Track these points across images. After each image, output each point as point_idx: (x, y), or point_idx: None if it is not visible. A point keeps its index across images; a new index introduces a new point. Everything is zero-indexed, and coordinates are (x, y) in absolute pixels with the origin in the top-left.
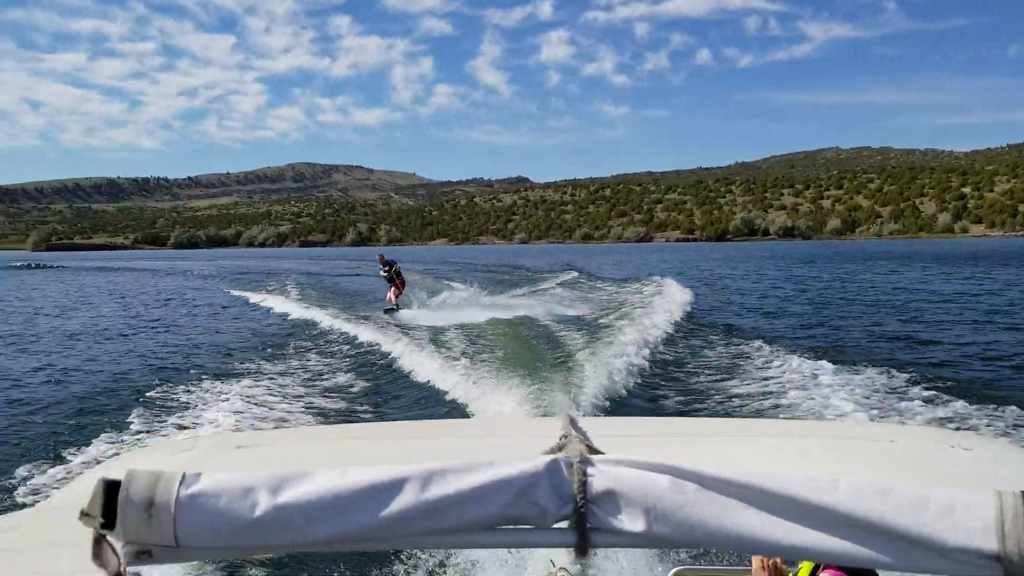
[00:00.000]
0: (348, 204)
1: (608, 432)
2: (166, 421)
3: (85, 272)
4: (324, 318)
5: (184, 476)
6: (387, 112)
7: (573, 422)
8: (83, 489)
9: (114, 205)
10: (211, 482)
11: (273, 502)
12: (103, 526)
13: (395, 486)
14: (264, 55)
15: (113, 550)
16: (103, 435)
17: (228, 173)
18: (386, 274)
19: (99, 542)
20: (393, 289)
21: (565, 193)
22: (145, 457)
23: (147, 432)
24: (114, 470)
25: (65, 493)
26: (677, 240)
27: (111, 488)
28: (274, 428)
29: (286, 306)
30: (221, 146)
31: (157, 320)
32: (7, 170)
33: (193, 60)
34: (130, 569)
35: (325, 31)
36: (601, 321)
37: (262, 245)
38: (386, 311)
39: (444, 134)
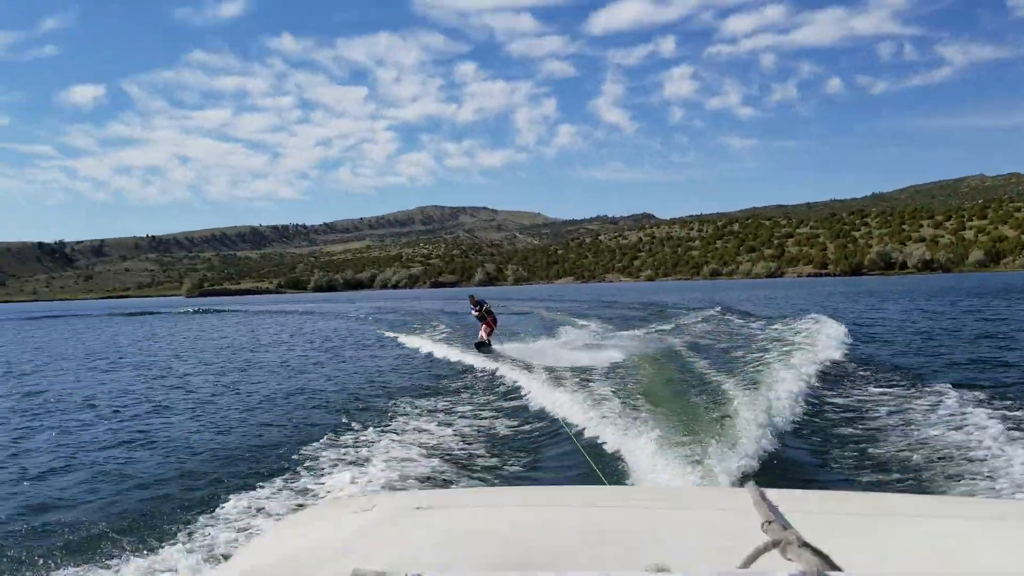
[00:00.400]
0: (475, 245)
1: (802, 508)
2: (324, 467)
3: (251, 315)
4: (475, 360)
5: None
6: (511, 153)
7: (762, 496)
8: (266, 556)
9: (257, 252)
10: None
11: None
12: None
13: None
14: (394, 104)
15: None
16: (265, 484)
17: (361, 218)
18: (477, 313)
19: None
20: (485, 327)
21: (692, 228)
22: (325, 517)
23: (314, 478)
24: (293, 530)
25: (246, 557)
26: (809, 275)
27: None
28: (453, 488)
29: (437, 347)
30: (354, 192)
31: (319, 362)
32: (160, 221)
33: (327, 112)
34: None
35: (452, 78)
36: (754, 360)
37: (395, 287)
38: (477, 346)
39: (567, 173)
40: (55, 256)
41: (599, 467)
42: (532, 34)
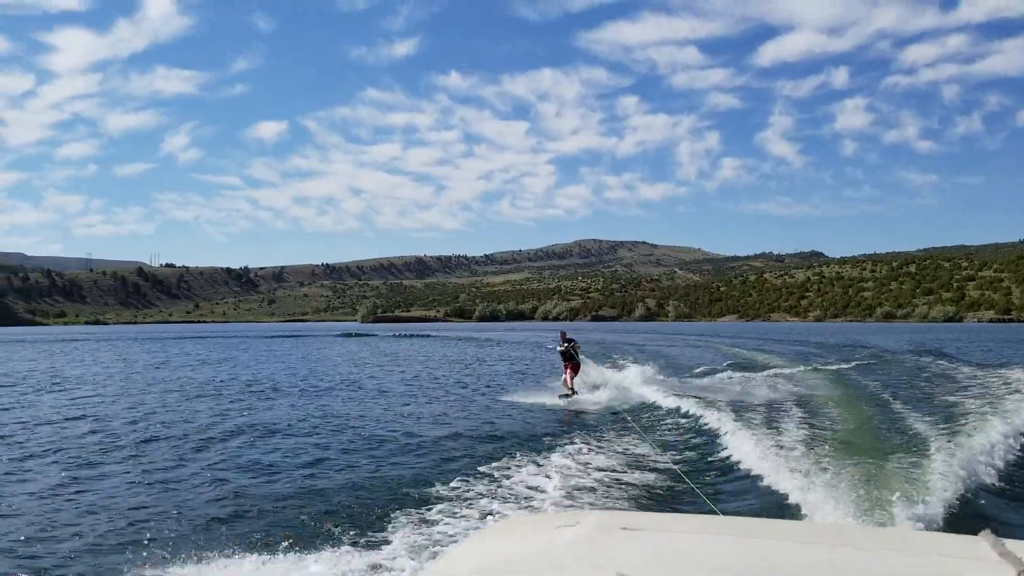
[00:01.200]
0: (634, 279)
1: None
2: (515, 481)
3: (460, 341)
4: (658, 394)
5: None
6: (671, 187)
7: (1000, 545)
8: (471, 562)
9: (421, 281)
10: None
11: None
12: None
13: None
14: (555, 138)
15: None
16: (443, 496)
17: (520, 250)
18: (563, 350)
19: None
20: (569, 371)
21: (864, 268)
22: (527, 529)
23: (504, 488)
24: (497, 539)
25: (450, 563)
26: (991, 320)
27: None
28: (660, 512)
29: (630, 377)
30: (513, 224)
31: (491, 383)
32: (333, 249)
33: (490, 146)
34: None
35: (613, 112)
36: (957, 406)
37: (556, 319)
38: (561, 396)
39: (730, 207)
40: (241, 281)
41: (783, 502)
42: (696, 67)
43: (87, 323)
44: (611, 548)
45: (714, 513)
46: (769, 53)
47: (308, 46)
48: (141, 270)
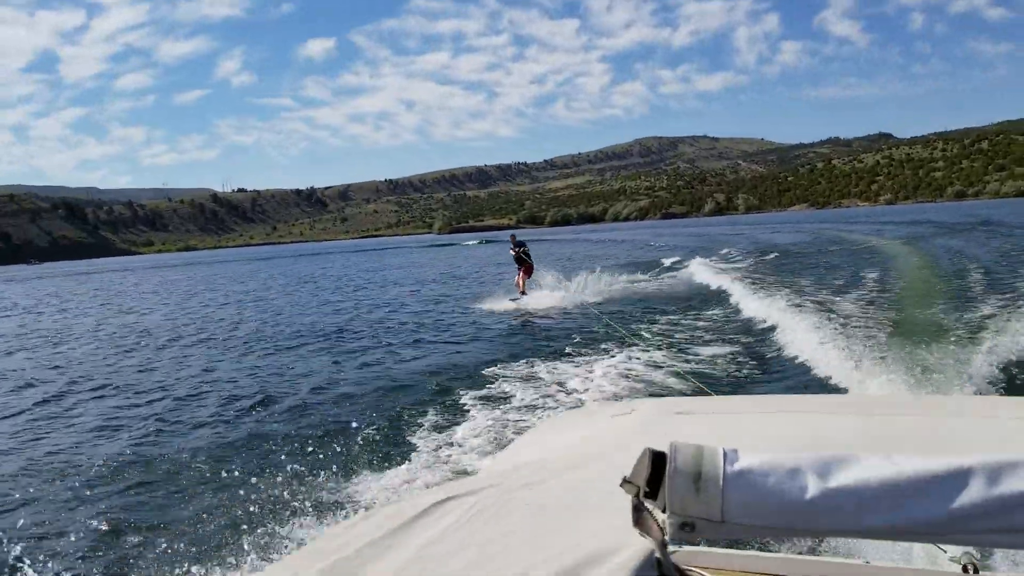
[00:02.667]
0: (698, 175)
1: None
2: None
3: (574, 242)
4: (730, 284)
5: (725, 452)
6: (730, 76)
7: None
8: (535, 451)
9: (484, 191)
10: (756, 460)
11: (823, 486)
12: (646, 495)
13: (956, 478)
14: (606, 34)
15: (654, 519)
16: (486, 391)
17: (579, 153)
18: (514, 254)
19: (639, 510)
20: (522, 273)
21: (935, 148)
22: (583, 420)
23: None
24: (556, 429)
25: (515, 452)
26: None
27: (657, 459)
28: (713, 396)
29: (699, 271)
30: (569, 127)
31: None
32: (393, 164)
33: (541, 47)
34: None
35: (665, 1)
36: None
37: (626, 219)
38: (512, 300)
39: (792, 93)
40: (311, 201)
41: (827, 376)
42: None
43: (179, 250)
44: (670, 430)
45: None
46: None
47: None
48: (216, 196)
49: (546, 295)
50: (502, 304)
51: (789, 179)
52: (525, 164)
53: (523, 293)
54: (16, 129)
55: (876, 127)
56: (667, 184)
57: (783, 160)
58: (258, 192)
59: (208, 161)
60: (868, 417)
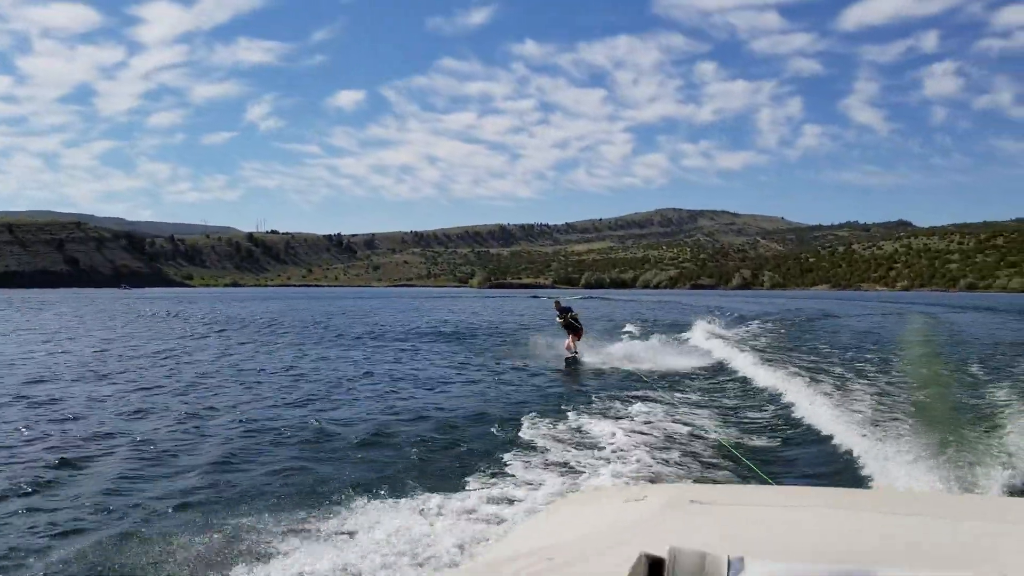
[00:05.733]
0: (721, 250)
1: None
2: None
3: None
4: (740, 359)
5: (730, 561)
6: (751, 155)
7: None
8: (543, 537)
9: (507, 249)
10: (762, 571)
11: None
12: None
13: None
14: (631, 106)
15: None
16: (491, 463)
17: (600, 219)
18: (563, 321)
19: None
20: (572, 337)
21: (951, 241)
22: (596, 504)
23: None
24: (566, 514)
25: (523, 537)
26: None
27: (655, 565)
28: (728, 483)
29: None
30: (590, 193)
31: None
32: (413, 217)
33: (566, 114)
34: None
35: (691, 79)
36: None
37: (656, 287)
38: (567, 362)
39: (813, 175)
40: (341, 247)
41: (854, 470)
42: (777, 31)
43: (225, 285)
44: (680, 523)
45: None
46: (854, 17)
47: (386, 16)
48: (252, 236)
49: (599, 356)
50: (554, 362)
51: (811, 260)
52: (547, 225)
53: (576, 353)
54: (48, 156)
55: (895, 213)
56: (691, 256)
57: (801, 240)
58: (291, 235)
59: (230, 201)
60: (893, 517)
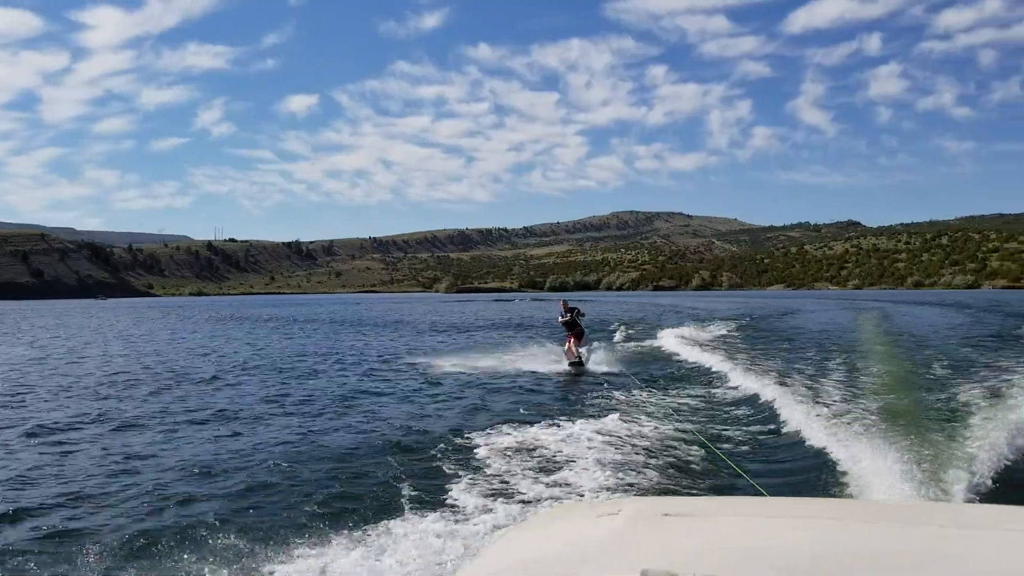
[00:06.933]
0: (678, 251)
1: None
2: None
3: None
4: (714, 359)
5: None
6: (703, 157)
7: None
8: (515, 555)
9: (466, 253)
10: None
11: None
12: None
13: None
14: (584, 108)
15: None
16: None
17: (558, 222)
18: (566, 320)
19: None
20: (571, 340)
21: (899, 240)
22: (568, 519)
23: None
24: (539, 531)
25: (495, 556)
26: (1004, 287)
27: None
28: (701, 496)
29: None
30: (546, 196)
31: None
32: (370, 222)
33: (520, 117)
34: None
35: (642, 81)
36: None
37: (619, 289)
38: (571, 365)
39: (763, 177)
40: (301, 254)
41: (827, 477)
42: (726, 35)
43: (191, 294)
44: (652, 538)
45: (756, 492)
46: (800, 20)
47: (337, 20)
48: (211, 244)
49: (599, 359)
50: (554, 367)
51: (766, 261)
52: (506, 230)
53: (578, 357)
54: None
55: (845, 213)
56: (649, 258)
57: (755, 241)
58: (250, 243)
59: (181, 208)
60: (870, 526)
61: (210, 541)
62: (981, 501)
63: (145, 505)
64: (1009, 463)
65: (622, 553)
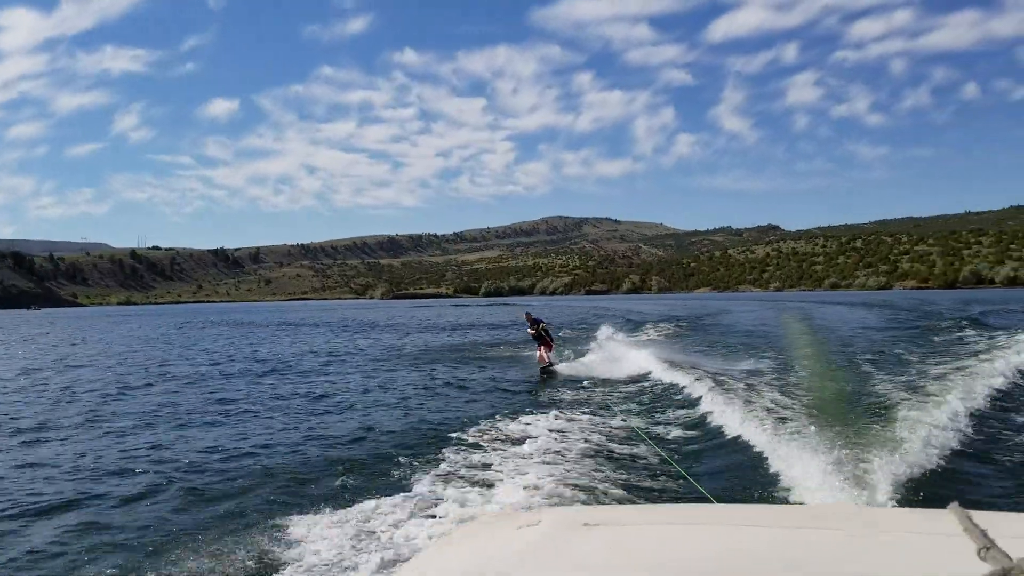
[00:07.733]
0: (607, 256)
1: (1008, 533)
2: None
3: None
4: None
5: None
6: (629, 163)
7: (970, 519)
8: (434, 570)
9: (397, 259)
10: None
11: None
12: None
13: None
14: (512, 115)
15: None
16: (396, 490)
17: (488, 228)
18: (534, 332)
19: None
20: (543, 348)
21: (816, 244)
22: (490, 531)
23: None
24: (460, 544)
25: (414, 570)
26: (912, 288)
27: None
28: (620, 504)
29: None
30: (474, 201)
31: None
32: (295, 228)
33: (447, 122)
34: None
35: (569, 88)
36: (919, 368)
37: (553, 293)
38: (542, 371)
39: (688, 182)
40: (228, 262)
41: (752, 478)
42: (649, 43)
43: (119, 303)
44: (571, 548)
45: (700, 495)
46: (720, 29)
47: (260, 24)
48: (135, 253)
49: (568, 366)
50: (527, 372)
51: (692, 264)
52: (436, 235)
53: (551, 364)
54: None
55: (765, 217)
56: (580, 263)
57: (680, 245)
58: (175, 250)
59: (98, 216)
60: (782, 531)
61: (183, 538)
62: (896, 503)
63: (140, 505)
64: (924, 465)
65: (539, 565)
